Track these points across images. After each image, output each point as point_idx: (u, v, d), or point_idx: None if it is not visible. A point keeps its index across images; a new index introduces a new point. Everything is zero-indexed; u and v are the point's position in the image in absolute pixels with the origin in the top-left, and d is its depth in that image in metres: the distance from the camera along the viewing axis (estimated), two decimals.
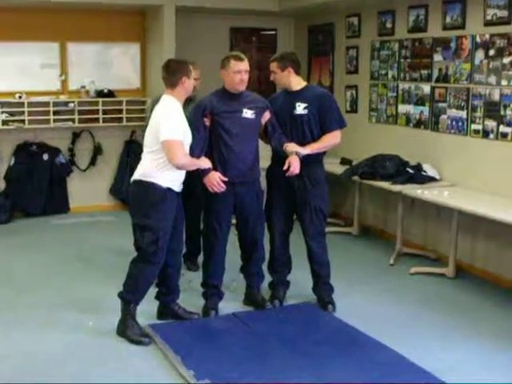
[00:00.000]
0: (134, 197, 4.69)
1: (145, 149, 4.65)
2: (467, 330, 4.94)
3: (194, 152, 4.75)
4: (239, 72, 4.85)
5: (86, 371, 4.23)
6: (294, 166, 4.93)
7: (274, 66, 5.17)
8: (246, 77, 4.90)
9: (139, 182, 4.61)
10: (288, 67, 5.13)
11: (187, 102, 5.01)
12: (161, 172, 4.53)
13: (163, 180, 4.53)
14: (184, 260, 5.78)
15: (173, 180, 4.59)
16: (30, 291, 5.65)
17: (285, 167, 4.94)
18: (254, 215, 5.11)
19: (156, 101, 4.82)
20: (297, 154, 4.96)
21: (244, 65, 4.89)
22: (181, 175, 4.66)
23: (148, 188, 4.55)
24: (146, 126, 4.71)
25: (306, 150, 5.02)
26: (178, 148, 4.47)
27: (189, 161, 4.63)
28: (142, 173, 4.61)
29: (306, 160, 5.02)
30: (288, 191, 5.18)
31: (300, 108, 5.10)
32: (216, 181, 4.82)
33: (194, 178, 4.88)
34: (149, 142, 4.60)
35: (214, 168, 4.87)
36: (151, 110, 4.79)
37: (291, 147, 5.00)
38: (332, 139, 5.18)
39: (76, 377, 4.16)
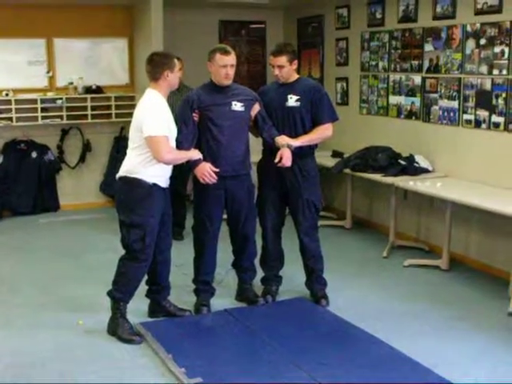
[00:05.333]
0: (120, 193, 4.62)
1: (130, 144, 4.58)
2: (462, 322, 4.90)
3: (182, 146, 4.70)
4: (225, 66, 4.77)
5: (75, 371, 4.17)
6: (285, 157, 4.88)
7: (282, 60, 5.00)
8: (231, 71, 4.82)
9: (124, 179, 4.54)
10: (294, 60, 5.07)
11: (174, 93, 4.93)
12: (146, 168, 4.46)
13: (148, 176, 4.46)
14: None
15: (158, 175, 4.52)
16: (20, 290, 5.58)
17: (276, 159, 4.89)
18: (245, 210, 5.04)
19: None
20: (288, 146, 4.91)
21: (230, 59, 4.80)
22: (167, 170, 4.59)
23: (133, 184, 4.48)
24: None
25: (297, 142, 4.97)
26: (163, 144, 4.40)
27: (175, 155, 4.57)
28: (127, 169, 4.54)
29: (297, 153, 4.98)
30: (280, 185, 5.13)
31: (292, 100, 5.04)
32: (207, 171, 4.75)
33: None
34: (133, 137, 4.53)
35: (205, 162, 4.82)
36: None
37: (282, 139, 4.95)
38: (324, 132, 5.13)
39: (65, 376, 4.10)
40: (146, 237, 4.50)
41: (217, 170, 4.77)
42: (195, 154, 4.73)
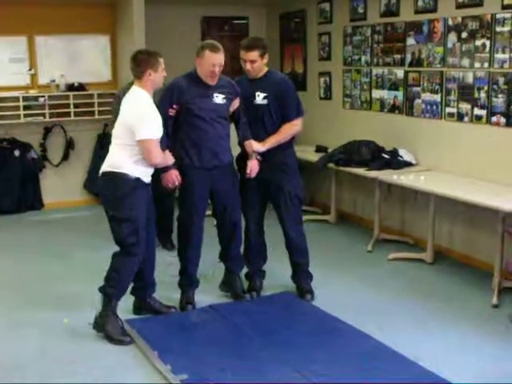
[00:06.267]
0: (105, 189, 4.57)
1: (114, 140, 4.54)
2: (446, 315, 4.92)
3: (161, 143, 4.67)
4: (213, 65, 4.74)
5: (60, 369, 4.16)
6: (253, 170, 5.01)
7: (254, 54, 4.99)
8: (218, 70, 4.79)
9: (109, 174, 4.50)
10: (266, 54, 5.06)
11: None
12: (130, 162, 4.42)
13: (133, 170, 4.44)
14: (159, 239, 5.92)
15: (142, 170, 4.49)
16: (4, 289, 5.54)
17: (247, 171, 4.99)
18: (232, 198, 5.05)
19: (124, 90, 4.70)
20: (255, 156, 5.00)
21: (219, 57, 4.75)
22: (150, 167, 4.56)
23: (119, 178, 4.44)
24: (115, 117, 4.60)
25: (264, 147, 5.03)
26: (156, 148, 4.43)
27: (162, 159, 4.57)
28: (111, 163, 4.50)
29: (276, 146, 5.02)
30: (260, 179, 5.12)
31: (259, 98, 5.05)
32: (172, 179, 4.77)
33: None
34: (120, 134, 4.48)
35: (188, 153, 4.85)
36: (119, 101, 4.67)
37: (249, 146, 5.01)
38: (291, 129, 5.13)
39: (50, 375, 4.08)
40: (139, 229, 4.47)
41: (179, 179, 4.79)
42: (171, 160, 4.74)
